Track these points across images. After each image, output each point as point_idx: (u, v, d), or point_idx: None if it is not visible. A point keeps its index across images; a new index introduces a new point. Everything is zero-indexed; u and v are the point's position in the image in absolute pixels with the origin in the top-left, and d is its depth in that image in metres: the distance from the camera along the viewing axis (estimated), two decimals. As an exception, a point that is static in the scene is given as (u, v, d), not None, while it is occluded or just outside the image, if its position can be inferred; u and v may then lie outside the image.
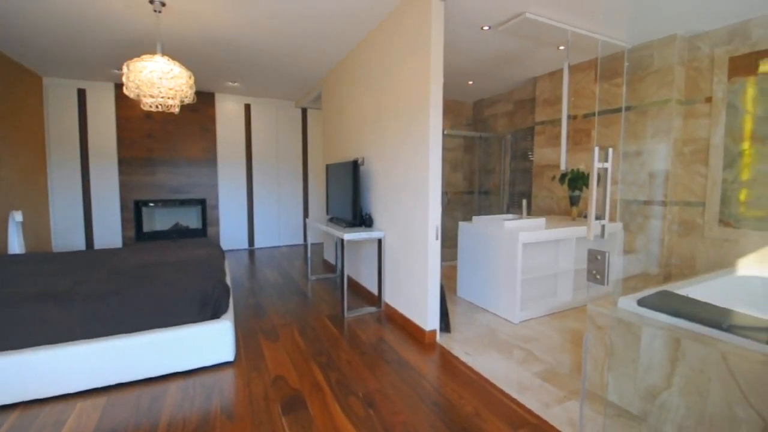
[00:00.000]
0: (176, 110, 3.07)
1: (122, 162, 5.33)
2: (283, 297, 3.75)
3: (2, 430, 1.76)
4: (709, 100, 3.15)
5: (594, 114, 4.01)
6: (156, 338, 2.17)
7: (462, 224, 3.64)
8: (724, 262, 3.06)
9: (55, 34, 3.48)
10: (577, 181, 3.74)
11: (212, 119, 5.83)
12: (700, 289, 2.22)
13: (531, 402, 1.98)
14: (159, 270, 2.71)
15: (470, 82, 4.99)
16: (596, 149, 1.30)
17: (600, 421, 1.83)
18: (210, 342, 2.30)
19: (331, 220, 4.05)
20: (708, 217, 3.17)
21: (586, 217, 3.70)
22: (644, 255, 3.51)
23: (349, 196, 3.47)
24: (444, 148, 4.32)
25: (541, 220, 3.47)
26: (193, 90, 2.99)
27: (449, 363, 2.42)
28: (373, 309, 3.38)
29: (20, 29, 3.36)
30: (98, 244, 5.37)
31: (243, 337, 2.77)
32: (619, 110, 3.75)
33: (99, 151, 5.26)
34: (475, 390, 2.11)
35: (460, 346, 2.65)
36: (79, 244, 5.28)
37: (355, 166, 3.40)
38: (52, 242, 5.09)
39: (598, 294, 2.15)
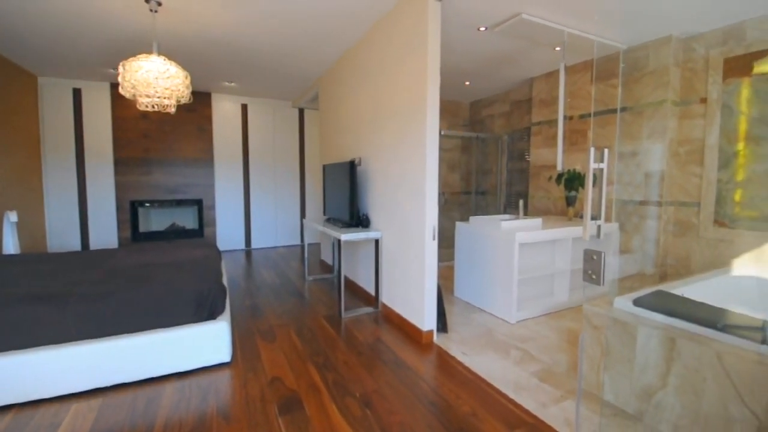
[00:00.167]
0: (172, 110, 3.06)
1: (118, 162, 5.31)
2: (279, 298, 3.74)
3: (-4, 433, 1.74)
4: (704, 101, 3.17)
5: (590, 115, 4.03)
6: (152, 339, 2.16)
7: (459, 224, 3.65)
8: (719, 262, 3.08)
9: (50, 33, 3.46)
10: (573, 181, 3.75)
11: (209, 119, 5.81)
12: (695, 289, 2.23)
13: (528, 402, 1.99)
14: (155, 271, 2.70)
15: (467, 83, 5.00)
16: (592, 150, 1.30)
17: (596, 420, 1.84)
18: (206, 343, 2.29)
19: (328, 220, 4.05)
20: (703, 218, 3.19)
21: (582, 217, 3.72)
22: (640, 255, 3.52)
23: (346, 197, 3.47)
24: (441, 149, 4.34)
25: (538, 221, 3.48)
26: (190, 90, 2.98)
27: (446, 363, 2.43)
28: (370, 309, 3.38)
29: (15, 28, 3.34)
30: (94, 244, 5.34)
31: (239, 338, 2.77)
32: (614, 111, 3.77)
33: (94, 151, 5.23)
34: (472, 390, 2.11)
35: (457, 346, 2.65)
36: (75, 244, 5.25)
37: (352, 166, 3.39)
38: (47, 243, 5.06)
39: (594, 294, 2.16)
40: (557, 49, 3.67)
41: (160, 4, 2.87)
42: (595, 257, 1.30)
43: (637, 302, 1.89)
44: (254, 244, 6.38)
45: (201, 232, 5.89)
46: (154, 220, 5.78)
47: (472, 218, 3.59)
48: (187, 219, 5.95)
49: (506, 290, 3.08)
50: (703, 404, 1.54)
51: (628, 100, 3.60)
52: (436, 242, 2.74)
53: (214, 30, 3.40)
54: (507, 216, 3.86)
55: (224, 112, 5.98)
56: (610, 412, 1.87)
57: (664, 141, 3.33)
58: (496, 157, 5.60)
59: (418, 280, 2.79)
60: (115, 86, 5.15)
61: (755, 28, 2.86)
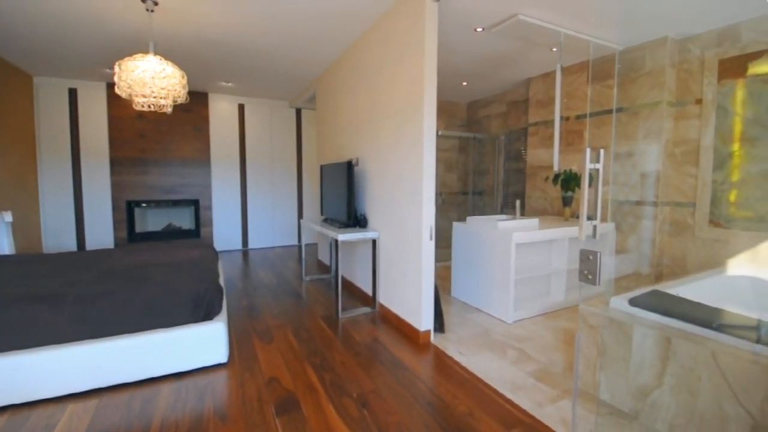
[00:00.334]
0: (169, 110, 3.05)
1: (114, 162, 5.28)
2: (277, 298, 3.74)
3: (-9, 434, 1.73)
4: (699, 101, 3.19)
5: (586, 115, 4.04)
6: (148, 340, 2.15)
7: (456, 224, 3.65)
8: (715, 262, 3.09)
9: (46, 32, 3.44)
10: (569, 181, 3.76)
11: (205, 119, 5.79)
12: (690, 289, 2.24)
13: (524, 401, 1.99)
14: (151, 271, 2.69)
15: (464, 83, 5.01)
16: (588, 150, 1.31)
17: (592, 419, 1.85)
18: (203, 343, 2.28)
19: (325, 220, 4.04)
20: (698, 218, 3.21)
21: (578, 217, 3.74)
22: (636, 255, 3.54)
23: (344, 197, 3.47)
24: (438, 149, 4.34)
25: (535, 221, 3.49)
26: (186, 90, 2.97)
27: (443, 363, 2.43)
28: (367, 309, 3.37)
29: (10, 28, 3.32)
30: (90, 244, 5.31)
31: (236, 339, 2.76)
32: (611, 112, 3.79)
33: (90, 151, 5.21)
34: (469, 390, 2.11)
35: (454, 346, 2.66)
36: (71, 244, 5.22)
37: (349, 166, 3.39)
38: (42, 243, 5.03)
39: (590, 294, 2.17)
40: (554, 49, 3.68)
41: (156, 4, 2.86)
42: (591, 257, 1.31)
43: (633, 302, 1.90)
44: (251, 245, 6.36)
45: (198, 233, 5.87)
46: (151, 221, 5.76)
47: (469, 218, 3.59)
48: (183, 219, 5.93)
49: (503, 290, 3.09)
50: (698, 403, 1.55)
51: (624, 100, 3.61)
52: (433, 242, 2.74)
53: (211, 30, 3.39)
54: (504, 216, 3.87)
55: (221, 112, 5.96)
56: (606, 411, 1.87)
57: (659, 142, 3.35)
58: (493, 157, 5.61)
59: (416, 280, 2.79)
60: (111, 86, 5.13)
61: (750, 29, 2.88)
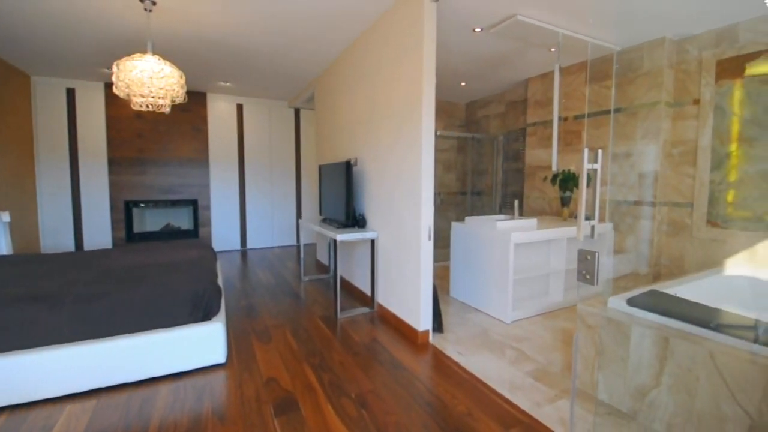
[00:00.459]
0: (167, 110, 3.04)
1: (112, 162, 5.27)
2: (275, 298, 3.74)
3: (-12, 435, 1.73)
4: (697, 102, 3.20)
5: (584, 116, 4.05)
6: (146, 340, 2.15)
7: (455, 225, 3.65)
8: (712, 262, 3.10)
9: (43, 32, 3.43)
10: (568, 182, 3.77)
11: (204, 119, 5.79)
12: (688, 289, 2.25)
13: (522, 401, 2.00)
14: (149, 271, 2.69)
15: (463, 84, 5.01)
16: (586, 151, 1.31)
17: (590, 419, 1.85)
18: (201, 344, 2.28)
19: (324, 220, 4.04)
20: (696, 218, 3.22)
21: (577, 217, 3.75)
22: (634, 255, 3.55)
23: (342, 197, 3.47)
24: (437, 149, 4.34)
25: (533, 221, 3.50)
26: (185, 90, 2.96)
27: (442, 363, 2.43)
28: (366, 310, 3.37)
29: (8, 27, 3.31)
30: (88, 245, 5.30)
31: (235, 339, 2.76)
32: (609, 112, 3.80)
33: (88, 150, 5.20)
34: (468, 390, 2.12)
35: (452, 346, 2.66)
36: (69, 245, 5.21)
37: (348, 166, 3.39)
38: (40, 243, 5.02)
39: (588, 294, 2.17)
40: (552, 50, 3.69)
41: (154, 4, 2.85)
42: (589, 257, 1.31)
43: (631, 302, 1.90)
44: (250, 245, 6.36)
45: (196, 233, 5.86)
46: (149, 221, 5.74)
47: (467, 218, 3.60)
48: (182, 219, 5.92)
49: (502, 290, 3.09)
50: (696, 403, 1.55)
51: (622, 101, 3.62)
52: (431, 242, 2.74)
53: (209, 30, 3.39)
54: (502, 216, 3.88)
55: (219, 112, 5.96)
56: (604, 411, 1.88)
57: (657, 142, 3.36)
58: (491, 157, 5.62)
59: (414, 281, 2.79)
60: (109, 86, 5.11)
61: (748, 30, 2.89)
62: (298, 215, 6.71)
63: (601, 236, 3.46)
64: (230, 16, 3.11)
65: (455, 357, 2.50)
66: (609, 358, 1.89)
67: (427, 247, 2.73)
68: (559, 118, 4.22)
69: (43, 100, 4.94)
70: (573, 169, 3.98)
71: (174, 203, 5.71)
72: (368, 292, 3.56)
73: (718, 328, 1.59)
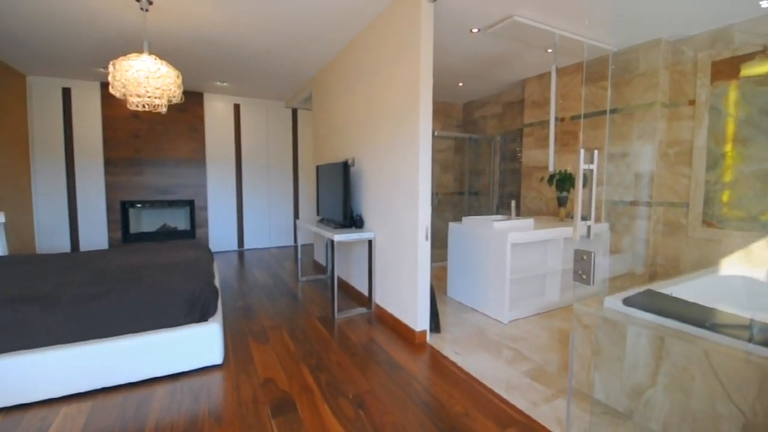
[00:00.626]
0: (163, 110, 3.03)
1: (108, 162, 5.25)
2: (272, 299, 3.73)
3: (-18, 437, 1.72)
4: (692, 103, 3.22)
5: (581, 116, 4.07)
6: (142, 341, 2.14)
7: (452, 225, 3.66)
8: (708, 262, 3.12)
9: (39, 31, 3.41)
10: (564, 182, 3.78)
11: (201, 119, 5.77)
12: (684, 289, 2.26)
13: (519, 401, 2.00)
14: (146, 272, 2.68)
15: (460, 84, 5.02)
16: (582, 151, 1.32)
17: (587, 419, 1.85)
18: (198, 345, 2.27)
19: (321, 221, 4.04)
20: (692, 218, 3.24)
21: (573, 217, 3.76)
22: (630, 255, 3.56)
23: (340, 197, 3.47)
24: (434, 149, 4.34)
25: (530, 221, 3.51)
26: (181, 89, 2.95)
27: (439, 363, 2.43)
28: (363, 310, 3.37)
29: (3, 26, 3.29)
30: (84, 245, 5.27)
31: (232, 340, 2.75)
32: (605, 113, 3.81)
33: (84, 150, 5.17)
34: (465, 389, 2.12)
35: (449, 346, 2.66)
36: (64, 245, 5.18)
37: (345, 167, 3.39)
38: (35, 244, 4.99)
39: (585, 293, 2.18)
40: (549, 51, 3.70)
41: (151, 3, 2.84)
42: (585, 257, 1.31)
43: (627, 302, 1.91)
44: (247, 245, 6.34)
45: (193, 233, 5.84)
46: (145, 221, 5.72)
47: (465, 219, 3.60)
48: (178, 220, 5.90)
49: (499, 290, 3.10)
50: (691, 402, 1.56)
51: (618, 101, 3.64)
52: (429, 242, 2.75)
53: (206, 29, 3.38)
54: (499, 216, 3.89)
55: (216, 112, 5.94)
56: (601, 410, 1.89)
57: (653, 142, 3.38)
58: (488, 157, 5.63)
59: (412, 281, 2.79)
60: (105, 85, 5.09)
61: (742, 31, 2.91)
62: (296, 216, 6.70)
63: (597, 236, 3.47)
64: (227, 15, 3.10)
65: (452, 357, 2.50)
66: (605, 357, 1.89)
67: (425, 248, 2.73)
68: (556, 119, 4.23)
69: (39, 100, 4.91)
70: (570, 169, 3.99)
71: (171, 204, 5.69)
72: (365, 293, 3.56)
73: (714, 327, 1.60)
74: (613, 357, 1.86)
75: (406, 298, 2.88)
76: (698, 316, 1.70)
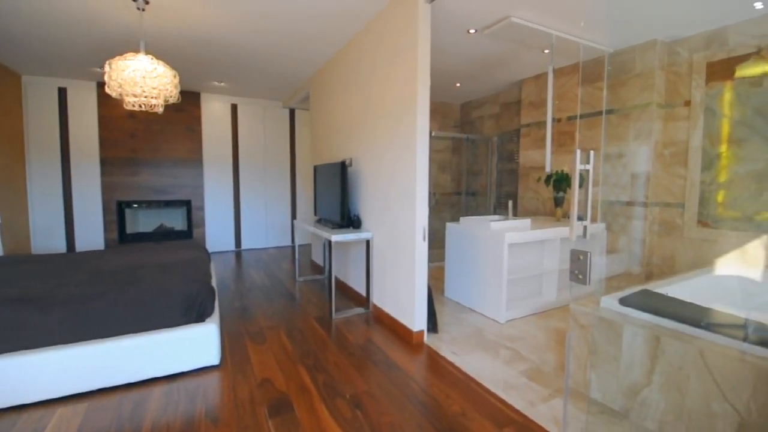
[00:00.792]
0: (160, 110, 3.02)
1: (104, 162, 5.23)
2: (270, 299, 3.72)
3: (-23, 439, 1.71)
4: (688, 103, 3.24)
5: (577, 117, 4.08)
6: (139, 342, 2.13)
7: (449, 225, 3.67)
8: (703, 262, 3.14)
9: (35, 30, 3.39)
10: (561, 182, 3.80)
11: (198, 119, 5.75)
12: (679, 288, 2.27)
13: (516, 400, 2.01)
14: (142, 272, 2.67)
15: (457, 84, 5.03)
16: (578, 152, 1.32)
17: (583, 418, 1.86)
18: (195, 345, 2.27)
19: (319, 221, 4.04)
20: (687, 218, 3.26)
21: (570, 218, 3.76)
22: (626, 255, 3.58)
23: (337, 198, 3.46)
24: (432, 150, 4.35)
25: (527, 221, 3.52)
26: (178, 89, 2.95)
27: (436, 363, 2.44)
28: (361, 310, 3.37)
29: (-3, 26, 3.28)
30: (80, 246, 5.24)
31: (229, 340, 2.74)
32: (602, 113, 3.83)
33: (80, 150, 5.14)
34: (462, 389, 2.12)
35: (447, 346, 2.67)
36: (60, 246, 5.16)
37: (343, 167, 3.39)
38: (31, 244, 4.96)
39: (581, 293, 2.19)
40: (546, 51, 3.71)
41: (147, 3, 2.84)
42: (581, 257, 1.32)
43: (623, 301, 1.92)
44: (244, 246, 6.33)
45: (190, 234, 5.82)
46: (142, 222, 5.70)
47: (462, 219, 3.61)
48: (175, 220, 5.88)
49: (496, 290, 3.11)
50: (686, 401, 1.57)
51: (614, 102, 3.65)
52: (426, 243, 2.75)
53: (203, 29, 3.37)
54: (497, 217, 3.89)
55: (214, 112, 5.93)
56: (597, 409, 1.89)
57: (649, 143, 3.39)
58: (486, 158, 5.64)
59: (409, 281, 2.79)
60: (101, 85, 5.07)
61: (737, 32, 2.93)
62: (293, 216, 6.69)
63: (593, 236, 3.48)
64: (224, 15, 3.10)
65: (450, 357, 2.50)
66: (601, 357, 1.90)
67: (422, 248, 2.73)
68: (553, 119, 4.25)
69: (35, 100, 4.88)
70: (566, 169, 4.00)
71: (167, 204, 5.67)
72: (363, 293, 3.56)
73: (709, 327, 1.61)
74: (609, 356, 1.87)
75: (403, 298, 2.88)
76: (694, 316, 1.71)
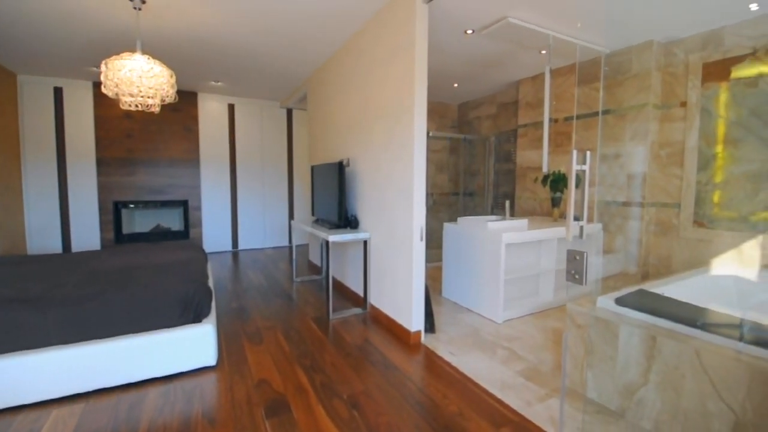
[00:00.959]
0: (156, 110, 3.01)
1: (101, 162, 5.20)
2: (267, 299, 3.72)
3: (-28, 440, 1.69)
4: (684, 104, 3.26)
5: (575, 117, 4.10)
6: (135, 343, 2.12)
7: (447, 225, 3.67)
8: (699, 262, 3.15)
9: (30, 30, 3.38)
10: (558, 182, 3.81)
11: (195, 119, 5.74)
12: (675, 288, 2.28)
13: (513, 400, 2.01)
14: (139, 273, 2.66)
15: (455, 85, 5.04)
16: (574, 152, 1.33)
17: (580, 417, 1.87)
18: (191, 346, 2.26)
19: (316, 221, 4.03)
20: (683, 218, 3.27)
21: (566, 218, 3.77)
22: (623, 255, 3.59)
23: (335, 198, 3.46)
24: (429, 150, 4.36)
25: (524, 221, 3.52)
26: (175, 89, 2.94)
27: (433, 363, 2.44)
28: (358, 310, 3.37)
29: (-8, 25, 3.26)
30: (76, 246, 5.22)
31: (226, 341, 2.74)
32: (598, 114, 3.84)
33: (76, 150, 5.12)
34: (459, 389, 2.12)
35: (444, 346, 2.67)
36: (56, 246, 5.13)
37: (340, 167, 3.39)
38: (26, 245, 4.93)
39: (578, 293, 2.19)
40: (543, 52, 3.72)
41: (143, 2, 2.83)
42: (578, 257, 1.32)
43: (620, 301, 1.93)
44: (241, 246, 6.32)
45: (187, 234, 5.80)
46: (138, 222, 5.68)
47: (459, 219, 3.61)
48: (172, 220, 5.86)
49: (493, 290, 3.11)
50: (682, 400, 1.58)
51: (611, 103, 3.67)
52: (424, 243, 2.75)
53: (200, 28, 3.36)
54: (494, 217, 3.90)
55: (211, 111, 5.91)
56: (594, 409, 1.90)
57: (645, 143, 3.41)
58: (483, 158, 5.65)
59: (406, 281, 2.80)
60: (97, 85, 5.04)
61: (733, 34, 2.94)
62: (290, 216, 6.68)
63: (590, 236, 3.50)
64: (221, 14, 3.09)
65: (447, 357, 2.50)
66: (598, 357, 1.91)
67: (420, 248, 2.74)
68: (550, 120, 4.26)
69: (30, 100, 4.86)
70: (563, 170, 4.01)
71: (164, 204, 5.65)
72: (360, 293, 3.55)
73: (704, 326, 1.62)
74: (605, 356, 1.88)
75: (400, 298, 2.88)
76: (689, 316, 1.71)
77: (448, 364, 2.42)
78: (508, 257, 3.22)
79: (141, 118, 5.34)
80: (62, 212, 5.13)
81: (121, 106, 2.87)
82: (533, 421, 1.83)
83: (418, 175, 2.69)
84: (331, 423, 1.83)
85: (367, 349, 2.65)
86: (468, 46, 3.60)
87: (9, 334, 1.91)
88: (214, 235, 6.07)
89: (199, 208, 5.85)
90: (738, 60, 2.91)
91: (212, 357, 2.33)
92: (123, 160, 5.32)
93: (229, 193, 6.16)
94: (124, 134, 5.30)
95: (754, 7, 2.73)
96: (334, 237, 3.17)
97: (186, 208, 5.77)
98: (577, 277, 1.32)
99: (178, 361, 2.23)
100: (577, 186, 1.36)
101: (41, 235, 5.03)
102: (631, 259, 3.54)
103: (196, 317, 2.33)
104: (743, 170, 2.92)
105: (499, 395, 2.06)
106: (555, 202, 3.89)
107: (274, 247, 6.50)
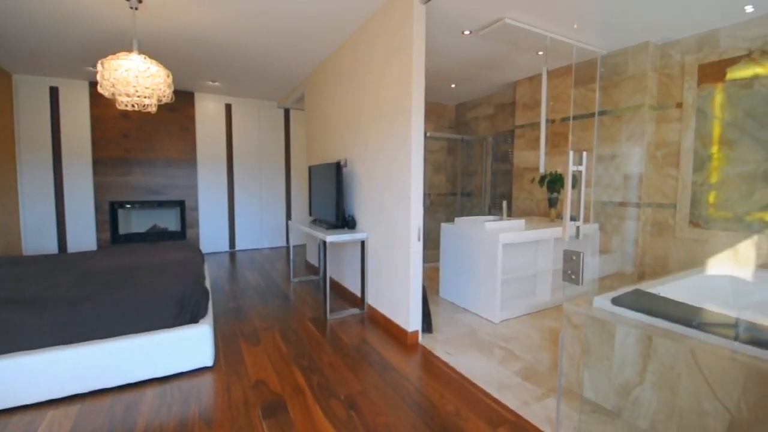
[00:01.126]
0: (153, 110, 3.00)
1: (97, 162, 5.18)
2: (264, 300, 3.71)
3: (-34, 442, 1.68)
4: (680, 105, 3.27)
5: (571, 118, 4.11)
6: (131, 344, 2.11)
7: (444, 225, 3.67)
8: (695, 262, 3.17)
9: (26, 29, 3.36)
10: (555, 183, 3.82)
11: (192, 119, 5.72)
12: (671, 288, 2.29)
13: (510, 400, 2.01)
14: (135, 273, 2.64)
15: (453, 85, 5.05)
16: (571, 153, 1.33)
17: (576, 417, 1.87)
18: (188, 347, 2.25)
19: (314, 221, 4.03)
20: (679, 219, 3.29)
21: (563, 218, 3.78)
22: (619, 255, 3.61)
23: (332, 198, 3.46)
24: (427, 150, 4.37)
25: (521, 222, 3.53)
26: (172, 89, 2.93)
27: (431, 363, 2.44)
28: (355, 311, 3.37)
29: (-12, 24, 3.24)
30: (71, 247, 5.19)
31: (223, 342, 2.73)
32: (594, 115, 3.86)
33: (72, 150, 5.10)
34: (456, 389, 2.13)
35: (441, 346, 2.67)
36: (52, 246, 5.10)
37: (338, 167, 3.39)
38: (22, 245, 4.90)
39: (574, 293, 2.20)
40: (539, 53, 3.74)
41: (140, 2, 2.82)
42: (574, 257, 1.33)
43: (616, 301, 1.94)
44: (238, 246, 6.30)
45: (183, 234, 5.78)
46: (135, 222, 5.65)
47: (457, 219, 3.62)
48: (169, 220, 5.84)
49: (490, 290, 3.12)
50: (678, 400, 1.59)
51: (607, 104, 3.68)
52: (421, 243, 2.75)
53: (197, 28, 3.35)
54: (491, 217, 3.91)
55: (208, 111, 5.90)
56: (590, 408, 1.91)
57: (642, 144, 3.42)
58: (480, 158, 5.66)
59: (404, 281, 2.80)
60: (93, 85, 5.03)
61: (728, 35, 2.96)
62: (288, 216, 6.67)
63: (586, 237, 3.51)
64: (218, 14, 3.08)
65: (444, 357, 2.51)
66: (594, 356, 1.92)
67: (417, 248, 2.74)
68: (547, 121, 4.27)
69: (26, 99, 4.83)
70: (560, 170, 4.03)
71: (161, 204, 5.63)
72: (358, 294, 3.55)
73: (700, 326, 1.63)
74: (602, 356, 1.88)
75: (398, 298, 2.88)
76: (685, 316, 1.72)
77: (446, 364, 2.42)
78: (505, 257, 3.23)
79: (137, 118, 5.32)
80: (58, 212, 5.11)
81: (117, 106, 2.86)
82: (530, 421, 1.84)
83: (416, 176, 2.69)
84: (329, 423, 1.83)
85: (365, 349, 2.65)
86: (465, 46, 3.60)
87: (4, 335, 1.90)
88: (211, 236, 6.05)
89: (195, 209, 5.83)
90: (733, 61, 2.93)
91: (209, 358, 2.32)
92: (119, 160, 5.29)
93: (226, 194, 6.14)
94: (120, 134, 5.28)
95: (749, 8, 2.75)
96: (332, 237, 3.17)
97: (183, 208, 5.75)
98: (573, 277, 1.33)
99: (175, 361, 2.22)
100: (573, 186, 1.37)
101: (37, 236, 5.00)
102: (628, 259, 3.56)
103: (193, 318, 2.32)
104: (738, 171, 2.95)
105: (496, 395, 2.06)
106: (552, 203, 3.91)
107: (271, 248, 6.49)
